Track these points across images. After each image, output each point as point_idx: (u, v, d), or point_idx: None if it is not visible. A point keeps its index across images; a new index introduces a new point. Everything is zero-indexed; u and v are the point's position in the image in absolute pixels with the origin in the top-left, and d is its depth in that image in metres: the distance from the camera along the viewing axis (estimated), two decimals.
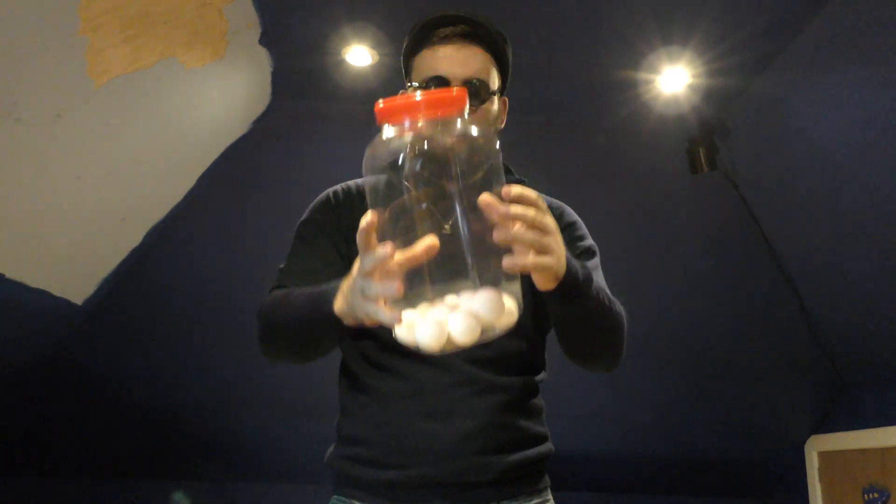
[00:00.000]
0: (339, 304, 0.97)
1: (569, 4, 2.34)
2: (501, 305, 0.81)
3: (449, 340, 0.80)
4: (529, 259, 0.82)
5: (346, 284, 0.96)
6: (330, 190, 1.27)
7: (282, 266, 1.21)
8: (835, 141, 2.67)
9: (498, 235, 0.80)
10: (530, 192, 0.83)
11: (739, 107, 2.89)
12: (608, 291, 1.13)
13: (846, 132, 2.61)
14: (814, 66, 2.52)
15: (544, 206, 0.85)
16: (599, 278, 1.21)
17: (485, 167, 0.83)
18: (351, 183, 1.28)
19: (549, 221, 0.85)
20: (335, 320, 0.97)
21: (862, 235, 2.84)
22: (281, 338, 1.15)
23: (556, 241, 0.87)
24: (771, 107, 2.79)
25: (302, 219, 1.25)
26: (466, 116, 0.84)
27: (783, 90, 2.69)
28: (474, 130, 0.84)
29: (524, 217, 0.81)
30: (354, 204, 1.24)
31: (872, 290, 2.97)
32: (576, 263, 0.98)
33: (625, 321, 1.12)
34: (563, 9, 2.36)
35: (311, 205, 1.26)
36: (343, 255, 1.18)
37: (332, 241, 1.19)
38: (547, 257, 0.84)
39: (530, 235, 0.82)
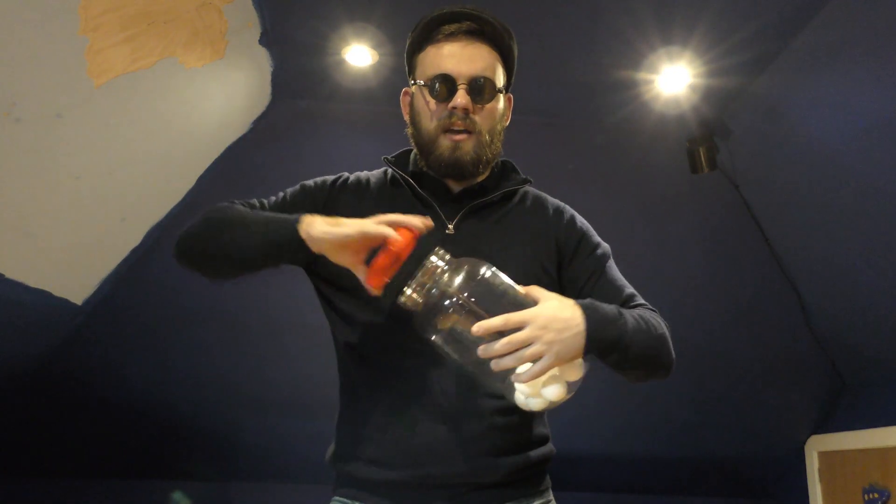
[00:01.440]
0: (315, 228, 1.01)
1: (568, 4, 2.34)
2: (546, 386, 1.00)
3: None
4: (533, 372, 0.95)
5: (333, 220, 1.02)
6: (344, 174, 1.28)
7: (254, 199, 1.21)
8: (835, 141, 2.67)
9: (497, 368, 0.96)
10: (493, 322, 0.95)
11: (739, 107, 2.89)
12: (641, 310, 1.13)
13: (846, 132, 2.61)
14: (814, 66, 2.52)
15: (513, 320, 0.96)
16: (618, 278, 1.22)
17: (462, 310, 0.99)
18: (362, 173, 1.29)
19: (524, 336, 0.95)
20: (295, 240, 1.01)
21: (862, 235, 2.84)
22: (219, 237, 1.10)
23: (547, 339, 0.96)
24: (771, 107, 2.79)
25: (305, 181, 1.26)
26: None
27: (783, 90, 2.69)
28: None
29: (504, 351, 0.95)
30: (359, 194, 1.24)
31: (873, 290, 2.97)
32: (596, 318, 1.01)
33: (666, 332, 1.13)
34: (562, 9, 2.36)
35: (322, 177, 1.27)
36: None
37: (307, 208, 1.18)
38: (543, 363, 0.95)
39: (515, 360, 0.95)
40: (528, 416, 1.17)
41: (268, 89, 2.80)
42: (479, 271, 1.01)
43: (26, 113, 1.90)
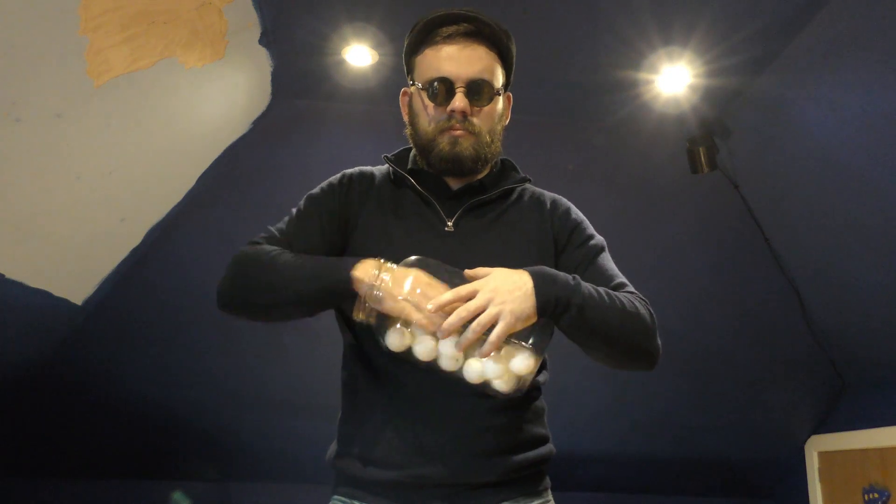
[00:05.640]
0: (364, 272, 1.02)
1: (568, 4, 2.34)
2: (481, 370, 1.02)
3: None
4: (493, 339, 0.96)
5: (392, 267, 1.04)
6: (346, 171, 1.28)
7: (271, 227, 1.20)
8: (835, 141, 2.67)
9: (462, 347, 0.97)
10: (443, 297, 0.98)
11: (739, 107, 2.89)
12: (622, 292, 1.12)
13: (846, 132, 2.61)
14: (814, 66, 2.52)
15: (463, 291, 0.98)
16: (609, 268, 1.21)
17: None
18: (366, 168, 1.29)
19: (477, 302, 0.97)
20: (345, 286, 1.03)
21: (862, 235, 2.84)
22: (261, 287, 1.09)
23: (499, 300, 0.97)
24: (771, 107, 2.79)
25: (311, 192, 1.25)
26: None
27: (783, 90, 2.69)
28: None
29: (459, 322, 0.96)
30: (365, 191, 1.24)
31: (872, 290, 2.97)
32: (544, 278, 1.02)
33: (644, 314, 1.10)
34: (562, 9, 2.36)
35: (325, 182, 1.26)
36: (328, 238, 1.19)
37: (322, 225, 1.19)
38: (501, 325, 0.96)
39: (475, 332, 0.96)
40: (525, 417, 1.17)
41: (268, 89, 2.80)
42: (416, 262, 1.02)
43: (26, 113, 1.90)
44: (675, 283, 3.31)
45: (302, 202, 1.23)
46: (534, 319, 1.00)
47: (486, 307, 0.96)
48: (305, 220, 1.20)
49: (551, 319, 1.02)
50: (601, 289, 1.08)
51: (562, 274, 1.05)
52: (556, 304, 1.01)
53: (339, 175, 1.27)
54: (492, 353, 0.98)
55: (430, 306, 0.97)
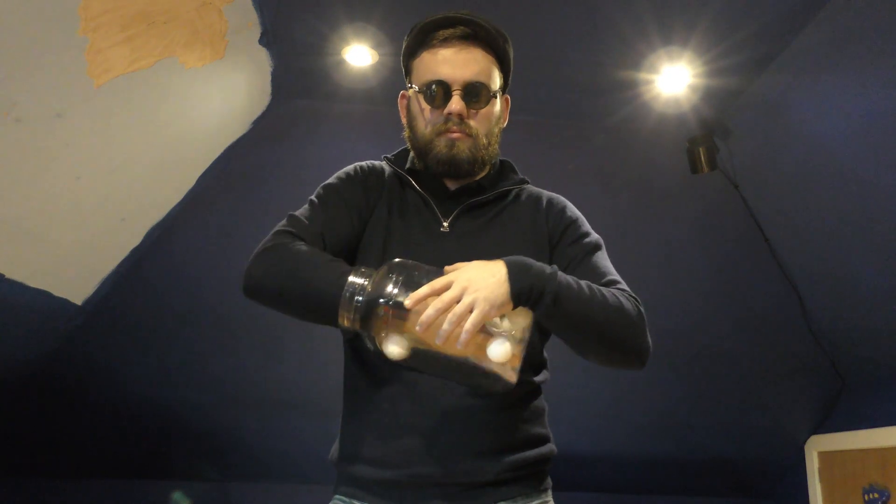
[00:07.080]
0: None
1: (568, 4, 2.34)
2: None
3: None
4: (468, 327, 0.94)
5: None
6: (358, 164, 1.29)
7: (295, 213, 1.19)
8: (835, 141, 2.67)
9: (442, 340, 0.95)
10: (419, 292, 0.96)
11: (739, 107, 2.89)
12: (609, 288, 1.12)
13: (846, 132, 2.61)
14: (814, 66, 2.52)
15: (438, 284, 0.97)
16: (602, 265, 1.20)
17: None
18: (375, 162, 1.30)
19: (452, 293, 0.97)
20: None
21: (862, 235, 2.84)
22: (291, 293, 1.09)
23: (473, 289, 0.96)
24: (771, 107, 2.79)
25: (326, 182, 1.26)
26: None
27: (783, 90, 2.69)
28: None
29: (436, 314, 0.95)
30: (379, 181, 1.26)
31: (873, 289, 2.97)
32: (518, 266, 1.02)
33: (629, 309, 1.08)
34: (562, 9, 2.36)
35: (341, 172, 1.27)
36: (355, 227, 1.20)
37: (349, 213, 1.20)
38: (476, 312, 0.95)
39: (452, 323, 0.95)
40: (524, 416, 1.17)
41: (268, 89, 2.80)
42: (393, 265, 1.02)
43: (26, 113, 1.90)
44: (675, 283, 3.31)
45: (322, 192, 1.23)
46: (509, 307, 0.99)
47: (461, 297, 0.96)
48: (333, 211, 1.20)
49: (528, 308, 1.01)
50: (583, 282, 1.07)
51: (538, 263, 1.04)
52: (530, 292, 1.00)
53: (352, 166, 1.28)
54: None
55: (407, 302, 0.96)
